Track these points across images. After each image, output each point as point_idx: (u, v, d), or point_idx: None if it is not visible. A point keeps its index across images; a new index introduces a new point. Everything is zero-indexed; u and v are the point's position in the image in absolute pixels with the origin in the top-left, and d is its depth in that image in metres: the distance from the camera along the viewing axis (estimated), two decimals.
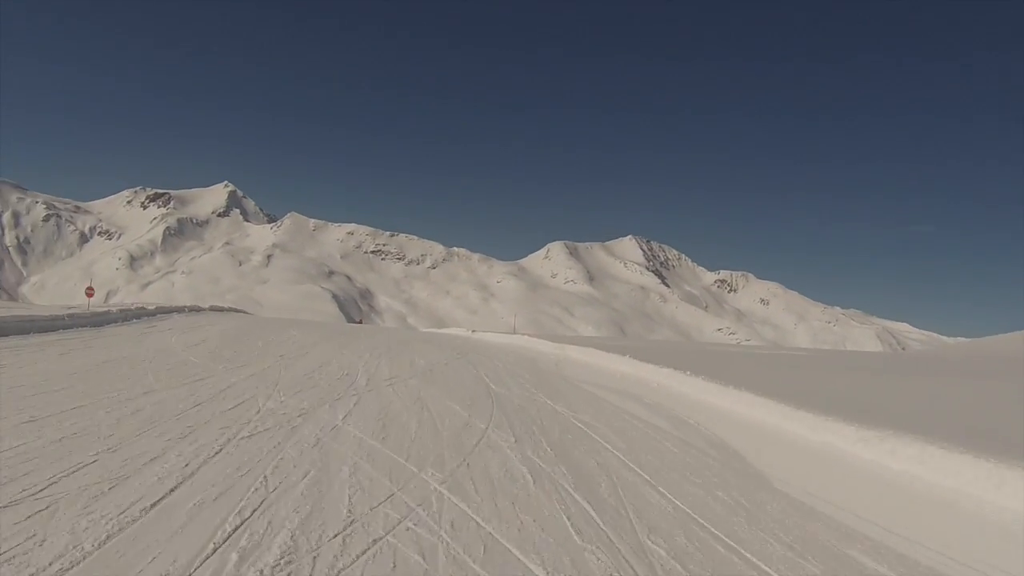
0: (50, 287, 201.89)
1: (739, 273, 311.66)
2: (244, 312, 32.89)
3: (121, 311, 13.79)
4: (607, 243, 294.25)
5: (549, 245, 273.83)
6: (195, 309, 21.17)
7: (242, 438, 5.05)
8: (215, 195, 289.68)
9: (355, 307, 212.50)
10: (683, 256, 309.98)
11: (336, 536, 3.30)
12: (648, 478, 5.04)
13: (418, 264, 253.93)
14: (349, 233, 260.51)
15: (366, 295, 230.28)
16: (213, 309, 24.47)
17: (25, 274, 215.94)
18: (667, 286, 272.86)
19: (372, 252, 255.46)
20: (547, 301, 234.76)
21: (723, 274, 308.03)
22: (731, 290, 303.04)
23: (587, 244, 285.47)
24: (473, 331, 27.14)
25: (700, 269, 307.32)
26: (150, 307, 15.77)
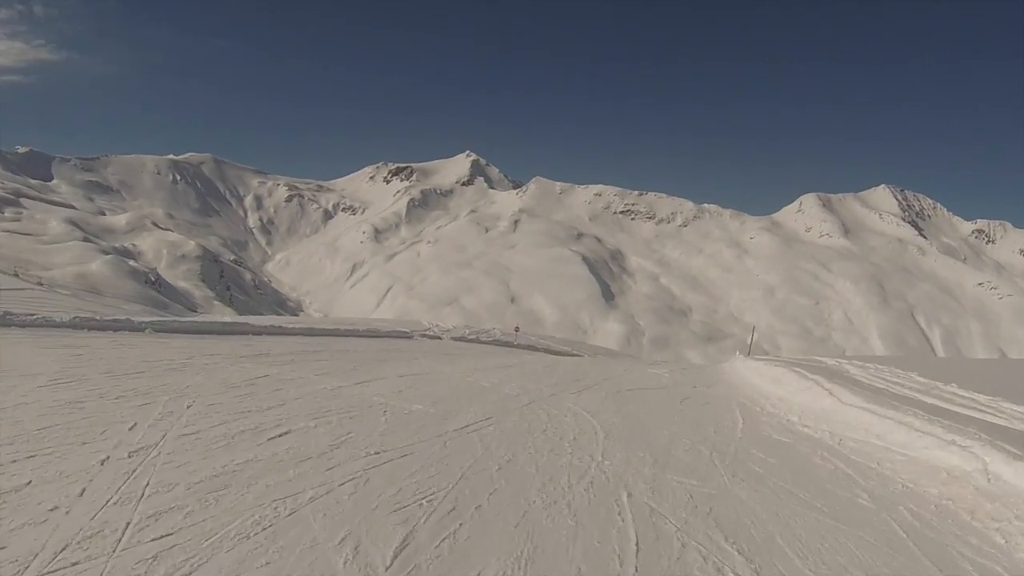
0: (295, 263, 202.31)
1: (996, 222, 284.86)
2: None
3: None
4: (860, 194, 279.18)
5: (801, 198, 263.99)
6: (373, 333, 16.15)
7: None
8: (458, 165, 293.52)
9: (606, 268, 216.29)
10: (938, 205, 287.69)
11: None
12: None
13: (668, 222, 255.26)
14: (597, 194, 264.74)
15: (617, 256, 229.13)
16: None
17: (270, 252, 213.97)
18: (924, 237, 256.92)
19: (621, 212, 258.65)
20: (803, 256, 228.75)
21: (980, 223, 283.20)
22: (989, 240, 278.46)
23: (840, 195, 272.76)
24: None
25: (956, 219, 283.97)
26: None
